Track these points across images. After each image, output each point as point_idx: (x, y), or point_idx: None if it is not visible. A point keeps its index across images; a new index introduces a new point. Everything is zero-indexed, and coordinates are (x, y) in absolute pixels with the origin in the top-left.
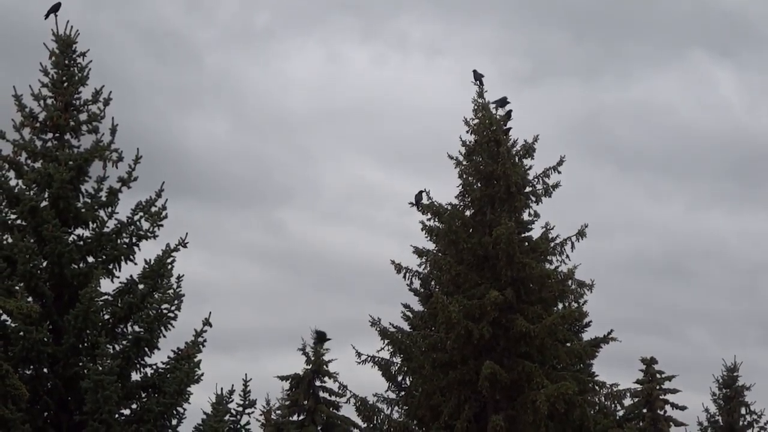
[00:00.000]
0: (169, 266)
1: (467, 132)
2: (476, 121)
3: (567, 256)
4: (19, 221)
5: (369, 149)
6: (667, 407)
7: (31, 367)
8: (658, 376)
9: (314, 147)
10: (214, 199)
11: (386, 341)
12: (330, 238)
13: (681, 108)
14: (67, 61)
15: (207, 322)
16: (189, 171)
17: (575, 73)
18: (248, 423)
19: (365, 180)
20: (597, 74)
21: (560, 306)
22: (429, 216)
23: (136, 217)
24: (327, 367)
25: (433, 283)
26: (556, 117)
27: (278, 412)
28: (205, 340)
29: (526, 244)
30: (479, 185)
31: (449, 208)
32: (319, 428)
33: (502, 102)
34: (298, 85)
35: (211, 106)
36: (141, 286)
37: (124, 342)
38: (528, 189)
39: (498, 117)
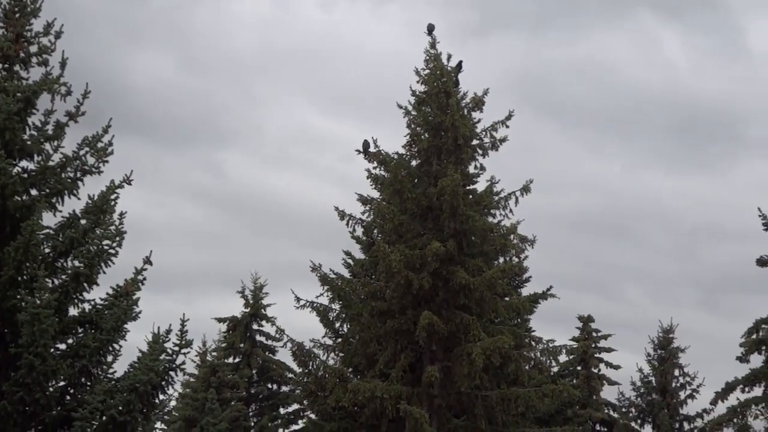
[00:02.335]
0: (112, 203)
1: (417, 82)
2: (427, 71)
3: (510, 211)
4: None
5: (313, 94)
6: (602, 366)
7: None
8: (594, 334)
9: (259, 90)
10: (156, 137)
11: (326, 287)
12: (271, 181)
13: (626, 67)
14: None
15: (147, 260)
16: (132, 107)
17: (523, 26)
18: (183, 363)
19: (309, 125)
20: (544, 29)
21: (501, 260)
22: (375, 164)
23: (82, 152)
24: (265, 311)
25: (375, 231)
26: (502, 70)
27: (214, 353)
28: (144, 278)
29: (471, 196)
30: (427, 136)
31: (396, 157)
32: (254, 371)
33: (458, 66)
34: (245, 26)
35: (158, 44)
36: (83, 222)
37: (64, 276)
38: (475, 142)
39: (449, 69)
